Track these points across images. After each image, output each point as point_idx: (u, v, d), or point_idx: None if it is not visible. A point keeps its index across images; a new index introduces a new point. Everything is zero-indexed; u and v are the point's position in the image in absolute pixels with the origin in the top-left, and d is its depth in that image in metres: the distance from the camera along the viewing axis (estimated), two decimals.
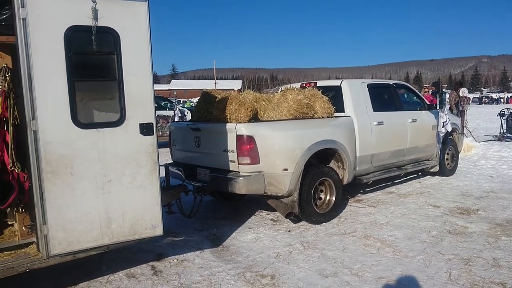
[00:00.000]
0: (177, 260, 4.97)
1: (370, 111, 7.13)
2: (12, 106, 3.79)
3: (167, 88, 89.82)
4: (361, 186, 7.75)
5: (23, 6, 3.42)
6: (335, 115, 6.69)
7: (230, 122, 5.76)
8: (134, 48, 3.89)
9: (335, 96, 6.86)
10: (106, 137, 3.83)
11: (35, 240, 3.95)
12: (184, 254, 5.12)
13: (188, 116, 15.88)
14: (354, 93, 7.05)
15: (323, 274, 4.49)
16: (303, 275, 4.48)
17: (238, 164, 5.58)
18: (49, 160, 3.61)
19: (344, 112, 6.89)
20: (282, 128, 5.91)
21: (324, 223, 6.15)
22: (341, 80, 7.28)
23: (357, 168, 6.88)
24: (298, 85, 7.76)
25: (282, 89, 7.34)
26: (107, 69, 3.88)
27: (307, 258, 4.92)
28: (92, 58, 3.83)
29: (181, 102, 38.56)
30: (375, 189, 8.05)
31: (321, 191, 6.39)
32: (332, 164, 6.61)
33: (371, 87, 7.40)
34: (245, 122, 5.69)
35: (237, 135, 5.52)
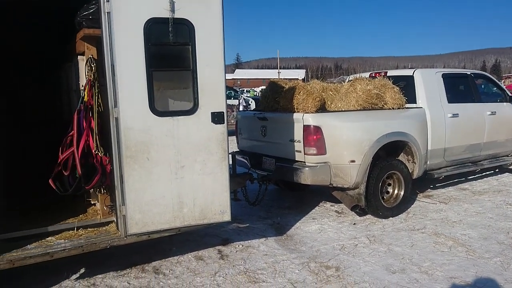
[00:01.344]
0: (242, 246, 5.09)
1: (445, 103, 6.75)
2: (96, 94, 4.08)
3: (231, 78, 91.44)
4: (432, 181, 7.39)
5: (108, 1, 3.65)
6: (406, 106, 6.42)
7: (297, 112, 5.75)
8: (208, 39, 4.00)
9: (406, 87, 6.57)
10: (180, 124, 4.00)
11: (115, 219, 4.24)
12: (249, 241, 5.24)
13: (253, 105, 16.07)
14: (428, 83, 6.71)
15: (390, 269, 4.38)
16: (369, 269, 4.41)
17: (304, 154, 5.57)
18: (128, 145, 3.85)
19: (416, 103, 6.59)
20: (350, 119, 5.80)
21: (391, 218, 5.98)
22: (414, 69, 6.96)
23: (428, 162, 6.57)
24: (367, 74, 7.53)
25: (350, 79, 7.19)
26: (182, 59, 4.03)
27: (373, 252, 4.82)
28: (169, 49, 4.00)
29: (245, 91, 39.03)
30: (447, 184, 7.65)
31: (389, 184, 6.21)
32: (402, 157, 6.38)
33: (446, 77, 6.99)
34: (312, 112, 5.65)
35: (304, 125, 5.50)
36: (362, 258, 4.67)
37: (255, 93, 39.65)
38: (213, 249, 5.00)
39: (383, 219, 5.92)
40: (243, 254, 4.86)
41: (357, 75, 7.07)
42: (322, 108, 5.96)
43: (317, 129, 5.47)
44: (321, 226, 5.74)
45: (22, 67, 5.93)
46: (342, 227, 5.69)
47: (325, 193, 7.07)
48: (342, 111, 6.07)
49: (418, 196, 7.04)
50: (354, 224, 5.82)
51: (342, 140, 5.59)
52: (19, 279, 4.14)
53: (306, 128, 5.49)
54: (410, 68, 8.60)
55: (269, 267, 4.49)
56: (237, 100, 16.08)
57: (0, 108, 5.19)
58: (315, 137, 5.48)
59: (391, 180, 6.20)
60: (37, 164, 5.06)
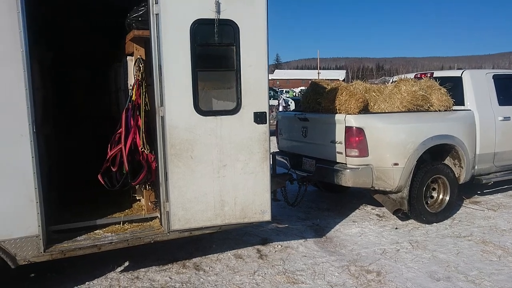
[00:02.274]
0: (281, 246, 5.10)
1: (495, 105, 6.46)
2: (144, 93, 4.21)
3: (270, 78, 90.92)
4: (480, 187, 7.09)
5: (156, 3, 3.76)
6: (453, 108, 6.20)
7: (339, 113, 5.68)
8: (252, 40, 4.03)
9: (454, 88, 6.35)
10: (223, 124, 4.06)
11: (158, 215, 4.37)
12: (288, 241, 5.24)
13: (292, 106, 16.02)
14: (477, 85, 6.44)
15: (434, 277, 4.24)
16: (411, 275, 4.29)
17: (346, 156, 5.50)
18: (173, 143, 3.95)
19: (464, 105, 6.35)
20: (394, 121, 5.66)
21: (435, 224, 5.79)
22: (462, 70, 6.70)
23: (476, 167, 6.31)
24: (412, 75, 7.33)
25: (394, 80, 7.02)
26: (227, 59, 4.08)
27: (416, 258, 4.69)
28: (213, 50, 4.07)
29: (284, 92, 38.98)
30: (496, 191, 7.30)
31: (434, 189, 6.01)
32: (448, 161, 6.16)
33: (497, 79, 6.68)
34: (354, 114, 5.57)
35: (346, 126, 5.43)
36: (405, 264, 4.55)
37: (294, 93, 39.52)
38: (252, 248, 5.03)
39: (427, 225, 5.75)
40: (282, 254, 4.86)
41: (402, 76, 6.89)
42: (365, 110, 5.86)
43: (360, 131, 5.38)
44: (362, 229, 5.65)
45: (75, 66, 6.23)
46: (383, 231, 5.57)
47: (365, 196, 6.95)
48: (385, 112, 5.94)
49: (465, 202, 6.78)
50: (396, 228, 5.68)
51: (385, 142, 5.48)
52: (68, 269, 4.35)
53: (348, 129, 5.42)
54: (458, 69, 8.28)
55: (308, 269, 4.47)
56: (277, 101, 16.07)
57: (53, 104, 5.44)
58: (357, 138, 5.40)
59: (436, 185, 6.00)
60: (87, 159, 5.30)
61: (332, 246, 5.11)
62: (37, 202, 3.55)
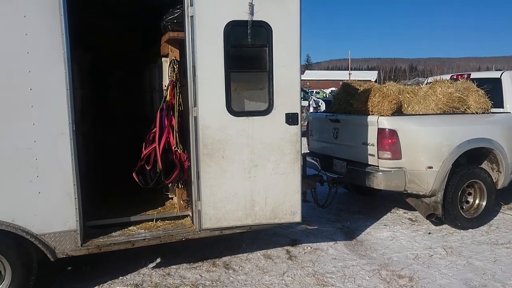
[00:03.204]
0: (311, 248, 5.08)
1: None
2: (178, 94, 4.30)
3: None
4: None
5: (191, 5, 3.83)
6: (492, 111, 6.00)
7: (372, 114, 5.60)
8: (285, 41, 4.04)
9: (492, 90, 6.15)
10: (255, 124, 4.09)
11: (190, 214, 4.44)
12: (318, 243, 5.21)
13: (323, 107, 15.90)
14: None
15: (470, 284, 4.12)
16: (445, 282, 4.18)
17: (378, 158, 5.42)
18: (205, 143, 4.01)
19: (503, 107, 6.13)
20: (429, 123, 5.54)
21: (470, 229, 5.62)
22: (502, 71, 6.47)
23: None
24: (447, 76, 7.13)
25: (429, 81, 6.86)
26: (259, 60, 4.11)
27: (450, 265, 4.57)
28: (246, 51, 4.10)
29: (314, 92, 38.74)
30: None
31: (469, 194, 5.84)
32: (485, 165, 5.96)
33: None
34: (388, 115, 5.48)
35: (378, 128, 5.36)
36: (438, 270, 4.44)
37: (324, 94, 39.21)
38: (282, 249, 5.03)
39: (462, 230, 5.59)
40: (311, 256, 4.84)
41: (437, 77, 6.73)
42: (398, 111, 5.76)
43: (393, 133, 5.29)
44: (393, 233, 5.55)
45: (112, 66, 6.42)
46: (416, 236, 5.45)
47: (397, 199, 6.82)
48: (420, 114, 5.82)
49: (503, 208, 6.54)
50: (429, 233, 5.55)
51: (419, 145, 5.36)
52: (103, 264, 4.49)
53: (380, 131, 5.35)
54: (497, 70, 7.99)
55: (338, 271, 4.43)
56: (307, 102, 15.99)
57: (90, 104, 5.63)
58: (390, 141, 5.32)
59: (472, 189, 5.83)
60: (122, 157, 5.46)
61: (363, 250, 5.04)
62: (75, 198, 3.69)
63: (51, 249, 3.66)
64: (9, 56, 3.39)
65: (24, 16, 3.39)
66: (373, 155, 5.49)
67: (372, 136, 5.44)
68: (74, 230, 3.71)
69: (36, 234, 3.59)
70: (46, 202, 3.60)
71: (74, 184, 3.67)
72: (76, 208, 3.70)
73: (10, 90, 3.41)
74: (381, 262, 4.65)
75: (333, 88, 44.98)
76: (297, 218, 4.36)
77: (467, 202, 5.83)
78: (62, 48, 3.51)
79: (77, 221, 3.71)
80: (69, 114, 3.59)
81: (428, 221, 5.80)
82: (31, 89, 3.46)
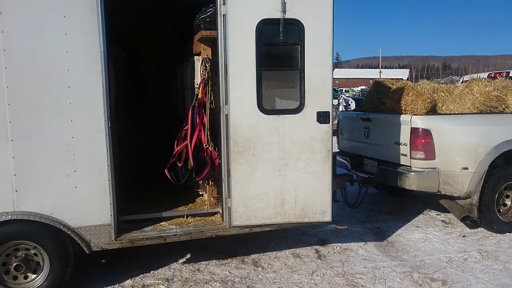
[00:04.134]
0: (340, 248, 5.03)
1: None
2: (209, 92, 4.34)
3: None
4: None
5: (224, 4, 3.85)
6: None
7: (405, 113, 5.49)
8: (317, 38, 4.01)
9: None
10: (286, 123, 4.08)
11: (220, 211, 4.48)
12: (347, 243, 5.15)
13: (353, 106, 15.68)
14: None
15: None
16: (481, 286, 4.05)
17: (411, 158, 5.31)
18: (236, 141, 4.03)
19: None
20: (465, 123, 5.38)
21: (507, 233, 5.42)
22: None
23: None
24: (485, 75, 6.91)
25: (465, 79, 6.66)
26: (291, 59, 4.10)
27: (486, 269, 4.42)
28: (278, 49, 4.10)
29: (343, 91, 38.26)
30: None
31: (507, 196, 5.63)
32: None
33: None
34: (421, 115, 5.35)
35: (411, 127, 5.24)
36: (473, 274, 4.31)
37: (354, 93, 38.63)
38: (311, 248, 5.01)
39: (498, 234, 5.40)
40: (341, 256, 4.79)
41: (474, 76, 6.53)
42: (432, 110, 5.61)
43: (426, 132, 5.17)
44: (426, 235, 5.42)
45: (145, 64, 6.56)
46: (449, 239, 5.31)
47: (429, 200, 6.66)
48: (455, 114, 5.65)
49: None
50: (464, 236, 5.39)
51: (454, 145, 5.21)
52: (135, 258, 4.59)
53: (414, 131, 5.23)
54: None
55: (368, 272, 4.37)
56: (337, 100, 15.81)
57: (124, 101, 5.76)
58: (423, 140, 5.20)
59: (510, 192, 5.61)
60: (154, 154, 5.57)
61: (394, 251, 4.95)
62: (110, 193, 3.79)
63: (86, 242, 3.78)
64: (50, 55, 3.52)
65: (64, 16, 3.51)
66: (405, 155, 5.38)
67: (404, 136, 5.33)
68: (108, 224, 3.82)
69: (73, 227, 3.71)
70: (82, 196, 3.71)
71: (109, 180, 3.77)
72: (111, 203, 3.80)
73: (50, 88, 3.55)
74: (413, 264, 4.55)
75: (363, 87, 44.29)
76: (327, 217, 4.33)
77: (505, 205, 5.62)
78: (99, 47, 3.61)
79: (111, 215, 3.81)
80: (105, 111, 3.69)
81: (463, 223, 5.63)
82: (69, 86, 3.58)
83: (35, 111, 3.53)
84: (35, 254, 3.71)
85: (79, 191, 3.69)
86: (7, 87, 3.43)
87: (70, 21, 3.52)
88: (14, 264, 3.64)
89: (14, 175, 3.51)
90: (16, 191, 3.53)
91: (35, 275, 3.73)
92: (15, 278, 3.69)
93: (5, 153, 3.48)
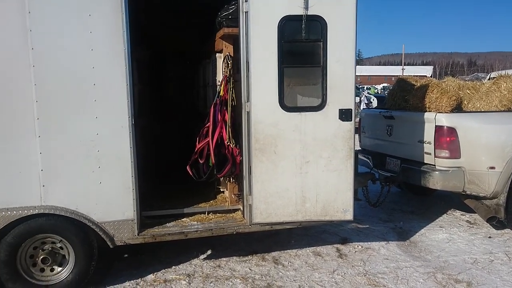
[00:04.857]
0: (362, 247, 4.98)
1: None
2: (231, 89, 4.35)
3: None
4: None
5: (246, 1, 3.85)
6: None
7: (429, 111, 5.39)
8: (340, 35, 3.96)
9: None
10: (307, 120, 4.06)
11: (241, 208, 4.49)
12: (369, 243, 5.10)
13: (374, 103, 15.47)
14: None
15: None
16: None
17: (435, 157, 5.21)
18: (257, 138, 4.03)
19: None
20: (492, 121, 5.24)
21: None
22: None
23: None
24: None
25: (492, 76, 6.49)
26: (313, 55, 4.07)
27: None
28: (300, 46, 4.07)
29: (365, 88, 37.79)
30: None
31: None
32: None
33: None
34: (446, 112, 5.24)
35: (436, 125, 5.14)
36: (500, 276, 4.20)
37: (376, 90, 38.10)
38: (331, 247, 4.97)
39: None
40: (362, 255, 4.75)
41: (502, 72, 6.34)
42: (457, 108, 5.49)
43: (451, 131, 5.06)
44: (450, 236, 5.31)
45: (167, 62, 6.61)
46: (474, 239, 5.19)
47: (453, 200, 6.53)
48: (481, 111, 5.51)
49: None
50: (490, 237, 5.26)
51: (481, 144, 5.09)
52: (156, 253, 4.66)
53: (438, 129, 5.13)
54: None
55: (390, 272, 4.31)
56: (358, 98, 15.62)
57: (147, 98, 5.83)
58: (448, 139, 5.09)
59: None
60: (176, 151, 5.62)
61: (417, 251, 4.87)
62: (133, 189, 3.85)
63: (110, 236, 3.85)
64: (76, 53, 3.58)
65: (89, 15, 3.57)
66: (429, 154, 5.28)
67: (429, 134, 5.23)
68: (131, 219, 3.88)
69: (97, 222, 3.78)
70: (107, 192, 3.78)
71: (132, 176, 3.82)
72: (134, 199, 3.86)
73: (76, 85, 3.62)
74: (437, 265, 4.47)
75: (385, 84, 43.62)
76: (349, 216, 4.29)
77: None
78: (123, 45, 3.66)
79: (134, 211, 3.87)
80: (129, 108, 3.75)
81: (489, 224, 5.49)
82: (94, 84, 3.64)
83: (62, 108, 3.61)
84: (61, 248, 3.81)
85: (103, 187, 3.76)
86: (35, 84, 3.52)
87: (95, 19, 3.58)
88: (41, 257, 3.75)
89: (41, 170, 3.60)
90: (43, 186, 3.62)
91: (61, 268, 3.83)
92: (42, 270, 3.80)
93: (33, 149, 3.57)
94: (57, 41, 3.54)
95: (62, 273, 3.82)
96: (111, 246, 3.90)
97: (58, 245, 3.80)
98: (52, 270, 3.82)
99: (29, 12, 3.45)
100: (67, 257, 3.82)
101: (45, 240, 3.77)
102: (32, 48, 3.49)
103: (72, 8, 3.54)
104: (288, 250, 4.87)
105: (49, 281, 3.79)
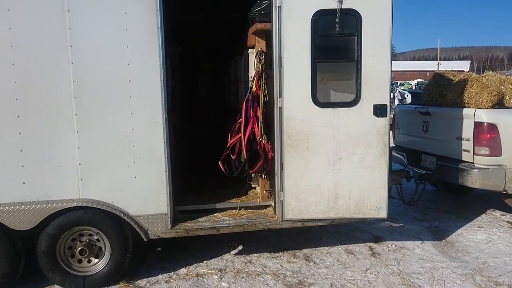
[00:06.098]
0: (395, 246, 4.87)
1: None
2: (263, 85, 4.33)
3: None
4: None
5: None
6: None
7: (468, 107, 5.19)
8: (375, 29, 3.87)
9: None
10: (341, 116, 3.99)
11: (272, 204, 4.48)
12: (403, 242, 4.98)
13: (409, 99, 15.09)
14: None
15: None
16: None
17: (474, 154, 5.02)
18: (290, 134, 4.00)
19: None
20: None
21: None
22: None
23: None
24: None
25: None
26: (347, 50, 3.99)
27: None
28: (334, 40, 4.01)
29: (399, 84, 36.91)
30: None
31: None
32: None
33: None
34: (487, 108, 5.04)
35: (475, 122, 4.95)
36: None
37: (410, 86, 37.13)
38: (364, 245, 4.89)
39: None
40: (396, 254, 4.64)
41: None
42: (499, 104, 5.26)
43: (492, 127, 4.86)
44: (489, 236, 5.12)
45: (200, 58, 6.67)
46: None
47: (493, 199, 6.29)
48: None
49: None
50: None
51: None
52: (188, 247, 4.72)
53: (478, 125, 4.94)
54: None
55: (425, 273, 4.20)
56: (392, 93, 15.27)
57: (180, 94, 5.91)
58: (488, 135, 4.89)
59: None
60: (208, 146, 5.67)
61: (454, 251, 4.72)
62: (167, 184, 3.90)
63: (144, 230, 3.93)
64: (112, 50, 3.66)
65: (125, 13, 3.63)
66: (467, 151, 5.10)
67: (467, 130, 5.05)
68: (165, 213, 3.94)
69: (132, 216, 3.87)
70: (141, 186, 3.85)
71: (166, 171, 3.88)
72: (167, 193, 3.91)
73: (113, 82, 3.70)
74: (475, 267, 4.31)
75: (420, 80, 42.40)
76: (383, 214, 4.20)
77: None
78: (158, 42, 3.71)
79: (168, 205, 3.93)
80: (162, 104, 3.80)
81: None
82: (130, 80, 3.72)
83: (98, 104, 3.70)
84: (98, 240, 3.92)
85: (138, 181, 3.83)
86: (73, 81, 3.62)
87: (130, 17, 3.64)
88: (79, 249, 3.87)
89: (79, 164, 3.71)
90: (81, 179, 3.73)
91: (97, 260, 3.95)
92: (80, 261, 3.92)
93: (71, 144, 3.68)
94: (94, 39, 3.62)
95: (99, 264, 3.94)
96: (145, 240, 3.98)
97: (95, 237, 3.92)
98: (89, 261, 3.94)
99: (68, 11, 3.55)
100: (103, 249, 3.93)
101: (82, 232, 3.89)
102: (71, 46, 3.59)
103: (109, 6, 3.62)
104: (320, 248, 4.82)
105: (86, 272, 3.91)
